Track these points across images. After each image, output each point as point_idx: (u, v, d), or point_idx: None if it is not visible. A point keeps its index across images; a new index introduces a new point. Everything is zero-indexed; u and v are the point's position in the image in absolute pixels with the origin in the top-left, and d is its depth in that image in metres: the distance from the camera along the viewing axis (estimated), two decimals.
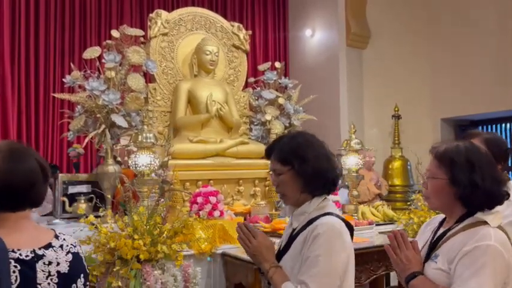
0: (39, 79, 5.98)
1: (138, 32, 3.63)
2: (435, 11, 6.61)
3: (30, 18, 5.96)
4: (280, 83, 4.37)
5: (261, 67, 4.55)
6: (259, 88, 4.36)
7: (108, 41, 3.54)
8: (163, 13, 3.93)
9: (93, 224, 2.21)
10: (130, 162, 2.89)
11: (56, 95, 3.70)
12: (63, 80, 3.55)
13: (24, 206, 1.31)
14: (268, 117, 4.10)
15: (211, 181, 3.40)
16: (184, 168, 3.34)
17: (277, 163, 1.53)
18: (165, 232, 2.26)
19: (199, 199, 2.89)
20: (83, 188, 3.61)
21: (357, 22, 6.56)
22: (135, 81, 3.37)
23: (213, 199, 2.89)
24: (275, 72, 4.36)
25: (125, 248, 2.08)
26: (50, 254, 1.29)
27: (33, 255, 1.26)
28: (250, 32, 4.44)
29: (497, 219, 1.36)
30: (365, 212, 3.62)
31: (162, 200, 2.46)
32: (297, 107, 4.33)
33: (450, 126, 6.75)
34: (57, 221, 3.55)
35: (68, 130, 3.50)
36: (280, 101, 4.22)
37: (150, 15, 3.94)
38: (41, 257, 1.27)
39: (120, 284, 2.05)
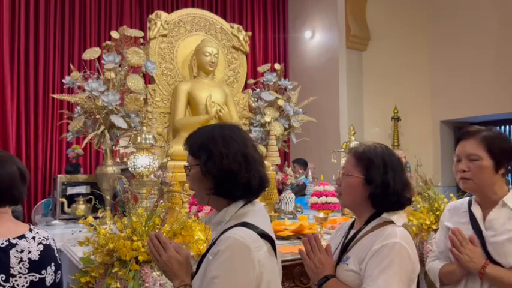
0: (39, 80, 5.99)
1: (138, 33, 3.63)
2: (435, 14, 6.63)
3: (29, 19, 5.96)
4: (279, 85, 4.37)
5: (260, 68, 4.55)
6: (258, 89, 4.36)
7: (108, 42, 3.54)
8: (163, 14, 3.93)
9: (91, 225, 2.20)
10: (129, 163, 2.89)
11: (55, 96, 3.70)
12: (63, 80, 3.55)
13: (4, 204, 1.59)
14: (267, 118, 4.10)
15: None
16: (184, 169, 3.33)
17: (189, 155, 1.35)
18: (164, 233, 2.26)
19: None
20: (82, 189, 3.61)
21: (357, 24, 6.57)
22: (135, 82, 3.37)
23: None
24: (275, 74, 4.36)
25: (123, 250, 2.07)
26: (22, 243, 1.56)
27: (7, 243, 1.53)
28: (250, 33, 4.44)
29: (401, 218, 1.40)
30: None
31: (161, 201, 2.45)
32: (297, 109, 4.33)
33: (450, 128, 6.76)
34: (55, 222, 3.54)
35: (67, 131, 3.49)
36: (280, 102, 4.22)
37: (150, 16, 3.94)
38: (14, 245, 1.54)
39: (118, 285, 2.04)
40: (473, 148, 1.56)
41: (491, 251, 1.53)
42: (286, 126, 4.27)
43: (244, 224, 1.21)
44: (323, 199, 2.65)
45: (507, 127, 6.39)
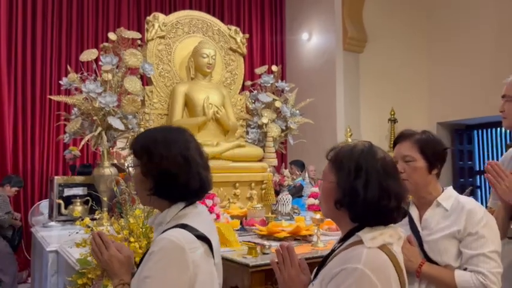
0: (36, 81, 5.98)
1: (135, 34, 3.64)
2: (432, 16, 6.66)
3: (27, 19, 5.96)
4: (277, 86, 4.39)
5: (257, 70, 4.56)
6: (256, 91, 4.38)
7: (105, 44, 3.54)
8: (161, 16, 3.94)
9: (89, 227, 2.20)
10: (126, 164, 2.89)
11: (53, 97, 3.70)
12: (60, 82, 3.55)
13: None
14: (264, 120, 4.11)
15: None
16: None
17: (133, 156, 1.35)
18: None
19: None
20: (79, 191, 3.60)
21: (354, 26, 6.59)
22: (132, 83, 3.37)
23: (209, 202, 2.88)
24: (272, 76, 4.37)
25: None
26: None
27: None
28: (247, 35, 4.46)
29: (378, 239, 1.15)
30: None
31: None
32: (294, 110, 4.35)
33: (446, 130, 6.79)
34: (52, 223, 3.54)
35: (64, 132, 3.49)
36: (277, 104, 4.23)
37: (148, 18, 3.95)
38: None
39: None
40: (408, 150, 1.61)
41: (427, 250, 1.56)
42: (284, 128, 4.28)
43: (183, 226, 1.22)
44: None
45: (503, 129, 6.42)
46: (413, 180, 1.59)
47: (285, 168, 4.47)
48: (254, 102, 4.29)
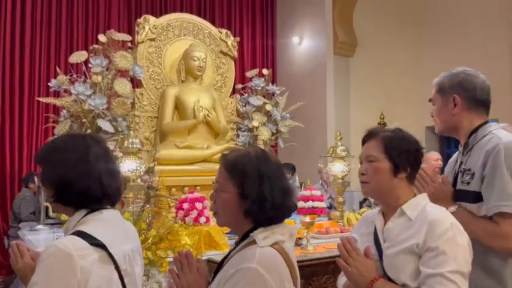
0: (24, 83, 5.91)
1: (126, 37, 3.62)
2: (422, 21, 6.73)
3: (15, 20, 5.90)
4: (267, 90, 4.39)
5: (248, 73, 4.57)
6: (246, 94, 4.38)
7: (95, 46, 3.52)
8: (151, 18, 3.93)
9: None
10: None
11: (41, 99, 3.67)
12: (49, 84, 3.52)
13: None
14: (255, 123, 4.11)
15: (197, 187, 3.39)
16: (171, 174, 3.32)
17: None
18: (151, 238, 2.25)
19: (185, 205, 2.87)
20: None
21: (344, 31, 6.64)
22: (122, 86, 3.36)
23: (199, 205, 2.87)
24: (263, 79, 4.38)
25: None
26: None
27: None
28: (238, 38, 4.46)
29: (271, 238, 1.21)
30: (350, 219, 3.64)
31: (148, 205, 2.45)
32: (284, 114, 4.36)
33: (435, 134, 6.84)
34: (40, 226, 3.50)
35: (53, 135, 3.46)
36: (268, 107, 4.23)
37: (138, 20, 3.94)
38: None
39: None
40: (371, 149, 1.42)
41: (385, 265, 1.34)
42: (274, 131, 4.29)
43: (78, 233, 1.24)
44: (310, 204, 2.67)
45: None
46: (374, 183, 1.39)
47: None
48: (245, 106, 4.30)
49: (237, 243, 1.28)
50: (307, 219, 2.55)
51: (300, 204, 2.69)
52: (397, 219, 1.37)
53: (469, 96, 1.67)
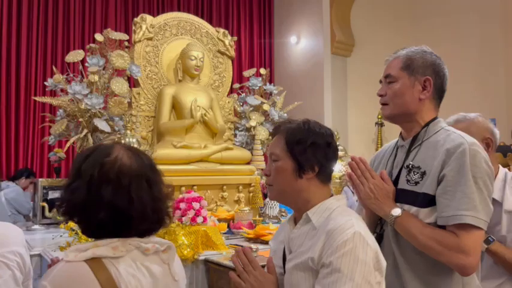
0: (20, 82, 5.88)
1: (123, 36, 3.61)
2: (419, 21, 6.74)
3: (12, 19, 5.86)
4: (265, 89, 4.39)
5: (246, 73, 4.57)
6: (244, 94, 4.38)
7: (92, 45, 3.51)
8: (148, 17, 3.92)
9: (73, 230, 2.17)
10: None
11: (38, 99, 3.65)
12: (45, 83, 3.50)
13: None
14: (252, 123, 4.11)
15: (194, 187, 3.38)
16: (168, 173, 3.28)
17: None
18: None
19: (183, 205, 2.87)
20: None
21: (342, 30, 6.65)
22: (119, 85, 3.34)
23: (196, 205, 2.87)
24: (260, 79, 4.38)
25: None
26: None
27: None
28: (235, 38, 4.46)
29: (89, 251, 1.02)
30: None
31: None
32: (282, 113, 4.36)
33: None
34: (36, 226, 3.48)
35: (49, 134, 3.44)
36: (265, 107, 4.23)
37: (135, 19, 3.92)
38: None
39: None
40: (273, 146, 1.21)
41: (284, 282, 1.17)
42: (271, 131, 4.28)
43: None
44: None
45: None
46: (277, 186, 1.20)
47: None
48: (242, 105, 4.29)
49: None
50: None
51: None
52: (303, 227, 1.17)
53: (437, 83, 1.42)
